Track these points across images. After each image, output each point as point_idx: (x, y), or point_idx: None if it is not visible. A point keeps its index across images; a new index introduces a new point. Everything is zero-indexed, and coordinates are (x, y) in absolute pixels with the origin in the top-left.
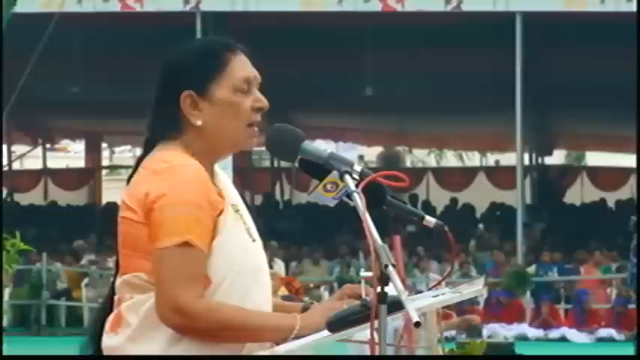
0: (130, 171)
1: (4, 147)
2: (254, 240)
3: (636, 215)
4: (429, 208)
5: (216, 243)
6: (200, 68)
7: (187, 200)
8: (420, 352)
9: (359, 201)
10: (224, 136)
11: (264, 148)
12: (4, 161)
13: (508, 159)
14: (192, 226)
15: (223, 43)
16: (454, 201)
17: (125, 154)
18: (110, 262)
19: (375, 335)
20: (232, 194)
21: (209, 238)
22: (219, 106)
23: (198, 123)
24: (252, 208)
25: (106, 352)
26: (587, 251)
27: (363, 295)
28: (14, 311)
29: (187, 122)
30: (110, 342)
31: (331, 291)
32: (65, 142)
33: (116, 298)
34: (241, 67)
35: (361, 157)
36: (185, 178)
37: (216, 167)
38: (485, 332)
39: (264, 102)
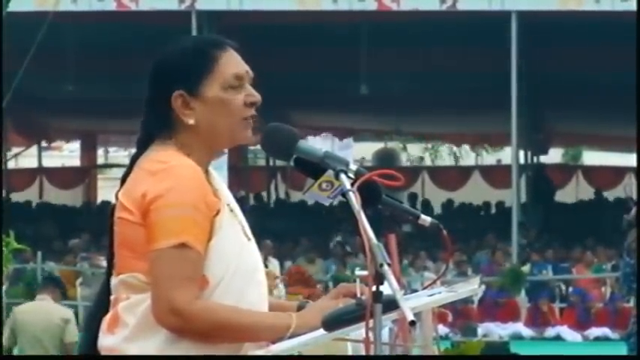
0: (124, 170)
1: None
2: (249, 239)
3: (634, 214)
4: (427, 207)
5: (213, 243)
6: (189, 67)
7: (184, 201)
8: (415, 351)
9: (354, 200)
10: (218, 133)
11: (259, 147)
12: None
13: (503, 157)
14: (188, 227)
15: (212, 41)
16: (449, 200)
17: (120, 152)
18: (103, 261)
19: (370, 334)
20: (227, 194)
21: (205, 240)
22: (210, 104)
23: (191, 122)
24: (246, 207)
25: (102, 352)
26: (582, 250)
27: (359, 294)
28: (8, 310)
29: (180, 121)
30: (107, 342)
31: (326, 290)
32: (60, 141)
33: (112, 297)
34: (231, 63)
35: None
36: (182, 179)
37: (210, 168)
38: (480, 331)
39: (256, 96)
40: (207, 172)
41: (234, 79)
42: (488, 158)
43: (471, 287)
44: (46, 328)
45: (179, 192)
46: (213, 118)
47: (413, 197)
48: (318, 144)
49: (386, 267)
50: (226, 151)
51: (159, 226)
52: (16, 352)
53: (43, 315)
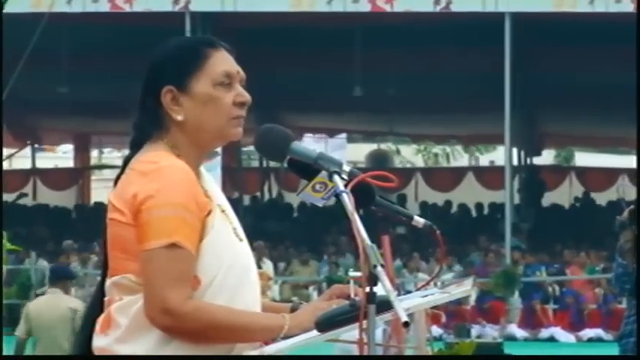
0: (117, 171)
1: None
2: (241, 240)
3: (626, 215)
4: (424, 208)
5: (205, 243)
6: (179, 63)
7: (175, 202)
8: (408, 352)
9: (347, 201)
10: (206, 130)
11: (253, 148)
12: None
13: (497, 159)
14: (179, 227)
15: (204, 40)
16: (443, 201)
17: (114, 154)
18: (95, 259)
19: (364, 335)
20: (218, 195)
21: (197, 240)
22: (199, 100)
23: (179, 118)
24: (240, 208)
25: (96, 353)
26: (575, 251)
27: (352, 295)
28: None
29: (170, 119)
30: (100, 343)
31: (320, 291)
32: (54, 143)
33: (106, 299)
34: (222, 61)
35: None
36: (173, 179)
37: (202, 168)
38: (473, 332)
39: (246, 96)
40: (198, 173)
41: (224, 77)
42: (482, 159)
43: (464, 288)
44: (59, 317)
45: (170, 192)
46: (201, 115)
47: (402, 198)
48: (312, 145)
49: (379, 268)
50: (220, 152)
51: (150, 227)
52: (30, 344)
53: (55, 306)
